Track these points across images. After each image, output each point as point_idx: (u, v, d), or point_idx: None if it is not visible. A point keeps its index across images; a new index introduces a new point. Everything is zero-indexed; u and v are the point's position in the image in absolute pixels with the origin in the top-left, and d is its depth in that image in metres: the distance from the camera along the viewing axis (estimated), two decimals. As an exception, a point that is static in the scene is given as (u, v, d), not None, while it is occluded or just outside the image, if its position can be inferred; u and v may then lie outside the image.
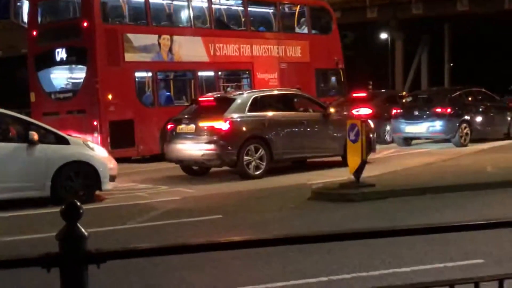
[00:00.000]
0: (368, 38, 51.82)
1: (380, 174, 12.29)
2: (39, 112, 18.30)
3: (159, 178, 14.01)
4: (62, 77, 19.05)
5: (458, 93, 19.88)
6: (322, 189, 10.88)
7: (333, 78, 23.31)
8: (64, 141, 10.76)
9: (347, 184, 10.62)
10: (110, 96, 17.27)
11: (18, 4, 25.83)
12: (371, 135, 14.57)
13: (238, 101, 13.62)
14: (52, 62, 18.41)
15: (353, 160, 10.60)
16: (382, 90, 28.12)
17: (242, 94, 14.30)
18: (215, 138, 13.06)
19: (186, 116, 13.96)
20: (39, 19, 19.08)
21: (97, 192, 11.04)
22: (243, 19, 21.18)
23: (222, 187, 12.42)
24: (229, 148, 13.05)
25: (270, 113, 13.91)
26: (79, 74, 18.33)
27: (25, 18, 26.02)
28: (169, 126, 14.24)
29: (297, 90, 16.86)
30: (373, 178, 11.27)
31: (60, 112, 17.84)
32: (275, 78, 21.09)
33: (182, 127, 13.68)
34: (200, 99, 15.06)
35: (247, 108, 13.51)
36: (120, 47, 17.67)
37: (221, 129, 13.09)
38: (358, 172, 10.48)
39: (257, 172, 13.29)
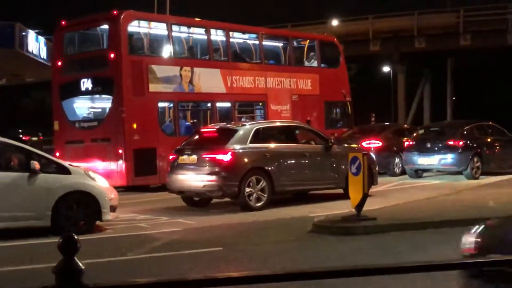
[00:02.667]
0: (371, 71, 52.11)
1: (381, 208, 12.24)
2: (62, 141, 18.70)
3: (160, 209, 13.96)
4: (87, 106, 19.47)
5: (470, 126, 20.00)
6: (323, 222, 10.82)
7: (341, 110, 23.84)
8: (65, 171, 10.75)
9: (348, 217, 10.57)
10: (134, 125, 17.65)
11: (23, 33, 26.07)
12: (372, 168, 14.72)
13: (240, 132, 13.60)
14: (77, 92, 18.80)
15: (355, 193, 10.57)
16: (386, 123, 28.29)
17: (245, 125, 14.28)
18: (216, 169, 13.02)
19: (188, 147, 13.92)
20: (64, 50, 19.48)
21: (98, 223, 10.99)
22: (258, 53, 21.89)
23: (223, 218, 12.36)
24: (231, 179, 13.00)
25: (272, 145, 13.90)
26: (104, 103, 18.79)
27: (30, 48, 26.26)
28: (171, 157, 14.22)
29: (299, 122, 17.10)
30: (374, 212, 11.22)
31: (85, 141, 18.21)
32: (287, 109, 21.64)
33: (184, 158, 13.63)
34: (202, 130, 15.09)
35: (249, 140, 13.49)
36: (145, 78, 18.11)
37: (222, 160, 13.07)
38: (359, 205, 10.45)
39: (259, 204, 13.23)
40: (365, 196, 10.48)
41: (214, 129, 14.53)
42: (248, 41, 22.26)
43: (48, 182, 10.45)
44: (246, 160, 13.30)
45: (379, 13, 43.50)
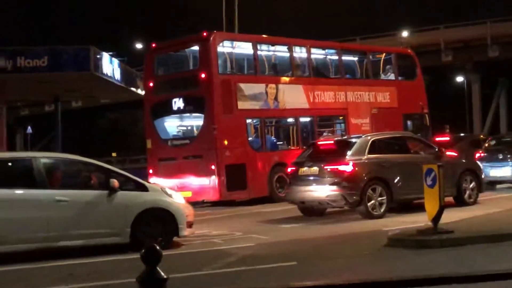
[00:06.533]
0: (444, 81, 51.20)
1: (458, 220, 11.98)
2: (155, 158, 19.48)
3: (233, 225, 14.11)
4: (178, 125, 20.31)
5: None
6: (398, 236, 10.68)
7: (419, 122, 23.79)
8: (143, 188, 11.01)
9: (424, 231, 10.40)
10: (226, 142, 18.33)
11: (98, 56, 26.91)
12: (480, 176, 15.61)
13: (358, 144, 14.21)
14: (168, 111, 19.64)
15: (431, 205, 10.41)
16: (462, 134, 27.81)
17: (361, 137, 14.87)
18: (339, 180, 13.62)
19: (307, 159, 14.56)
20: (155, 71, 20.29)
21: (175, 238, 11.19)
22: (337, 68, 22.33)
23: (295, 233, 12.38)
24: (353, 189, 13.58)
25: (388, 155, 14.50)
26: (195, 121, 19.64)
27: (104, 70, 27.12)
28: (290, 169, 14.92)
29: (409, 133, 17.89)
30: (451, 224, 11.00)
31: (177, 158, 18.95)
32: (367, 123, 21.85)
33: (305, 170, 14.27)
34: (319, 142, 15.71)
35: (367, 151, 14.06)
36: (234, 96, 18.83)
37: (345, 171, 13.68)
38: (436, 218, 10.27)
39: (378, 212, 13.73)
40: (441, 209, 10.31)
41: (332, 142, 15.13)
42: (328, 57, 22.72)
43: (127, 200, 10.73)
44: (366, 170, 13.90)
45: (449, 23, 42.81)
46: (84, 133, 61.00)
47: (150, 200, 10.90)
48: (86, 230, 10.46)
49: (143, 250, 2.38)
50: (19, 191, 10.38)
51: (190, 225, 11.27)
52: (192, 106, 19.17)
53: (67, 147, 28.94)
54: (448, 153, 20.27)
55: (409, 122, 23.27)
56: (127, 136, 60.86)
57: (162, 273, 2.32)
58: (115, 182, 10.58)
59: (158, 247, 2.37)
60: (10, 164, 11.02)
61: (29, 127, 44.48)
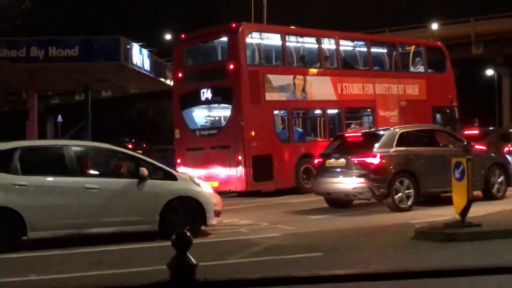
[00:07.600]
0: (473, 74, 50.63)
1: (486, 214, 11.90)
2: (183, 148, 19.68)
3: (260, 215, 14.17)
4: (206, 115, 20.45)
5: None
6: (426, 229, 10.65)
7: (448, 115, 23.61)
8: (172, 177, 11.13)
9: (452, 224, 10.36)
10: (253, 133, 18.46)
11: (128, 47, 27.10)
12: (508, 170, 15.45)
13: (386, 136, 14.17)
14: (197, 102, 19.79)
15: (459, 199, 10.36)
16: (491, 127, 27.57)
17: (388, 129, 14.83)
18: (366, 172, 13.62)
19: (334, 151, 14.58)
20: (184, 62, 20.48)
21: (202, 227, 11.29)
22: (366, 60, 22.29)
23: (322, 225, 12.41)
24: (380, 181, 13.57)
25: (416, 148, 14.44)
26: (223, 112, 19.79)
27: (134, 60, 27.34)
28: (316, 161, 15.00)
29: (438, 126, 17.89)
30: (479, 218, 10.94)
31: (205, 148, 19.13)
32: (395, 115, 21.76)
33: (332, 161, 14.30)
34: (346, 134, 15.75)
35: (394, 143, 14.01)
36: (262, 87, 18.91)
37: (372, 163, 13.66)
38: (464, 211, 10.22)
39: (405, 205, 13.69)
40: (469, 202, 10.25)
41: (360, 134, 15.12)
42: (356, 49, 22.70)
43: (156, 188, 10.86)
44: (393, 162, 13.86)
45: (481, 15, 42.28)
46: (113, 123, 61.47)
47: (178, 189, 11.01)
48: (115, 218, 10.61)
49: (173, 236, 2.44)
50: (50, 179, 10.56)
51: (217, 214, 11.37)
52: (220, 96, 19.32)
53: (97, 136, 29.22)
54: (476, 146, 20.23)
55: (438, 115, 23.13)
56: (155, 126, 61.23)
57: (192, 259, 2.37)
58: (144, 171, 10.71)
59: (188, 233, 2.42)
60: (41, 152, 11.19)
61: (59, 116, 44.97)
